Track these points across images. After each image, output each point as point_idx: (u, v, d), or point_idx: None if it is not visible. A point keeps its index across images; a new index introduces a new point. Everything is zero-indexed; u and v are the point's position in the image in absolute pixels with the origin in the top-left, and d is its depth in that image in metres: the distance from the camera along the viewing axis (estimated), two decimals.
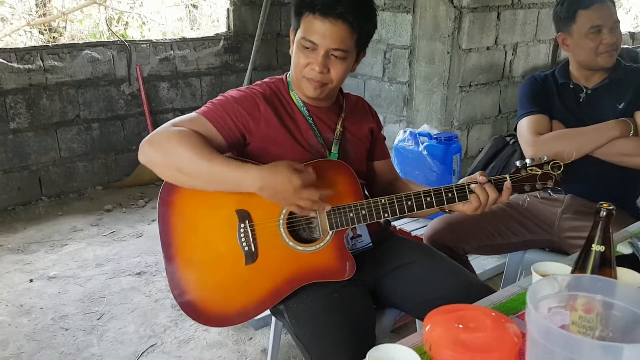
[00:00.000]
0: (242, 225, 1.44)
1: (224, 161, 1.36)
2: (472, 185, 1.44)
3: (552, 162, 1.46)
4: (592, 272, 1.03)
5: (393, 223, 2.42)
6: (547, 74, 2.11)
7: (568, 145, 1.86)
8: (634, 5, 7.05)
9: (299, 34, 1.47)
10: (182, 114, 1.46)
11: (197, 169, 1.36)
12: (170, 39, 4.26)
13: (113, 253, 3.16)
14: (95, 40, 4.37)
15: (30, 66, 3.63)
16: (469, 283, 1.52)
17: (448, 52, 3.90)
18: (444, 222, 1.99)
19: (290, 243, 1.44)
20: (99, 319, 2.53)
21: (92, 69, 3.89)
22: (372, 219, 1.44)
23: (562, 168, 1.45)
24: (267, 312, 1.58)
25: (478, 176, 1.45)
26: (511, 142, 3.66)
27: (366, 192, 1.67)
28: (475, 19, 3.85)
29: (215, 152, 1.38)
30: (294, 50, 1.51)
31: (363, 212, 1.43)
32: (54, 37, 4.80)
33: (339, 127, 1.60)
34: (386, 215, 1.44)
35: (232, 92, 1.53)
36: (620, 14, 1.91)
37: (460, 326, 0.96)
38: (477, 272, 2.29)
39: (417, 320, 1.81)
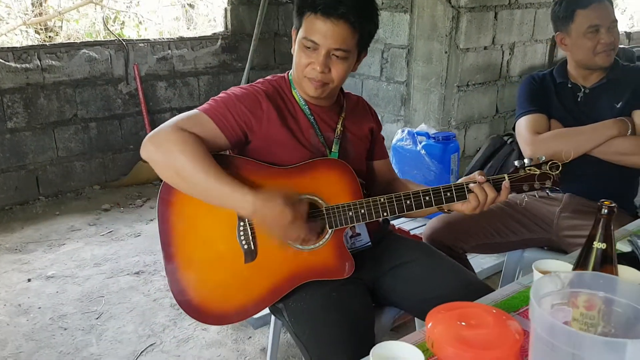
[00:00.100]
0: (242, 224, 1.44)
1: (222, 179, 1.35)
2: (471, 185, 1.44)
3: (550, 162, 1.47)
4: (594, 270, 1.04)
5: (392, 222, 2.42)
6: (545, 74, 2.11)
7: (566, 144, 1.87)
8: (630, 5, 7.07)
9: (301, 33, 1.48)
10: (180, 113, 1.46)
11: (194, 179, 1.36)
12: (167, 39, 4.26)
13: (111, 252, 3.15)
14: (92, 40, 4.36)
15: (27, 65, 3.63)
16: (468, 282, 1.53)
17: (446, 52, 3.90)
18: (442, 221, 1.99)
19: (290, 241, 1.44)
20: (97, 318, 2.53)
21: (90, 69, 3.89)
22: (371, 218, 1.45)
23: (560, 168, 1.46)
24: (266, 310, 1.59)
25: (477, 176, 1.45)
26: (509, 141, 3.66)
27: (365, 191, 1.67)
28: (473, 19, 3.86)
29: (215, 166, 1.37)
30: (295, 49, 1.52)
31: (362, 211, 1.44)
32: (50, 36, 4.78)
33: (339, 126, 1.60)
34: (385, 214, 1.45)
35: (234, 90, 1.53)
36: (616, 13, 1.92)
37: (463, 323, 0.97)
38: (476, 271, 2.29)
39: (416, 318, 1.81)
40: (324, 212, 1.44)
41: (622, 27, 6.18)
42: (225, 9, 4.48)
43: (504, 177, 1.46)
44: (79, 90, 3.87)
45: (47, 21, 4.80)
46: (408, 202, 1.44)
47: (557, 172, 1.46)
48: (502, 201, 2.03)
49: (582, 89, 2.02)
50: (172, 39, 4.28)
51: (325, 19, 1.42)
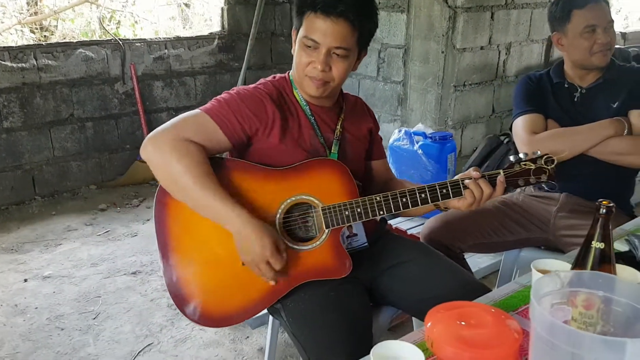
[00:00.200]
0: None
1: (216, 194, 1.36)
2: (466, 181, 1.44)
3: (545, 157, 1.47)
4: (592, 269, 1.04)
5: (389, 222, 2.42)
6: (541, 74, 2.12)
7: (563, 144, 1.88)
8: (624, 5, 7.10)
9: (301, 32, 1.48)
10: (177, 113, 1.46)
11: (188, 189, 1.37)
12: (164, 38, 4.25)
13: (108, 252, 3.15)
14: (89, 39, 4.35)
15: (23, 65, 3.61)
16: (465, 281, 1.53)
17: (442, 52, 3.91)
18: (440, 220, 2.00)
19: (287, 242, 1.44)
20: (94, 318, 2.52)
21: (86, 68, 3.88)
22: (368, 217, 1.44)
23: (555, 162, 1.46)
24: (264, 310, 1.58)
25: (472, 172, 1.46)
26: (505, 141, 3.67)
27: (363, 191, 1.67)
28: (470, 19, 3.87)
29: (211, 178, 1.38)
30: (296, 49, 1.52)
31: (358, 210, 1.43)
32: (45, 35, 4.77)
33: (339, 127, 1.60)
34: (381, 212, 1.44)
35: (238, 90, 1.52)
36: (611, 13, 1.94)
37: (462, 323, 0.97)
38: (472, 270, 2.30)
39: (414, 318, 1.82)
40: (320, 211, 1.44)
41: (617, 27, 6.20)
42: (222, 9, 4.48)
43: (499, 173, 1.47)
44: (75, 89, 3.86)
45: (43, 20, 4.79)
46: (404, 199, 1.44)
47: (553, 165, 1.46)
48: (499, 200, 2.06)
49: (579, 89, 2.03)
50: (169, 38, 4.27)
51: (325, 18, 1.43)
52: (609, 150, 1.91)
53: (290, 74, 1.61)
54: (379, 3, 4.14)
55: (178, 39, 4.29)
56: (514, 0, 4.12)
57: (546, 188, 1.58)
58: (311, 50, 1.47)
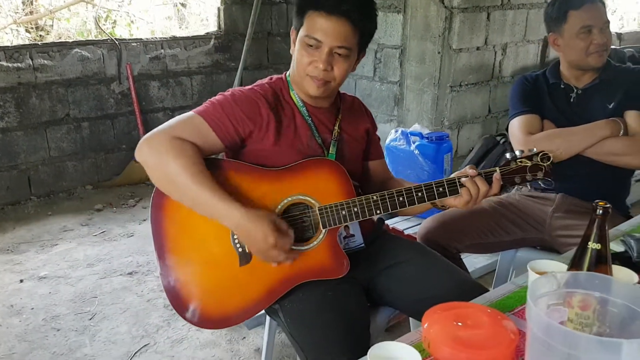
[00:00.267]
0: None
1: (213, 191, 1.36)
2: (463, 179, 1.44)
3: (541, 154, 1.47)
4: (589, 270, 1.04)
5: (386, 222, 2.42)
6: (537, 74, 2.13)
7: (559, 144, 1.88)
8: (620, 6, 7.12)
9: (302, 32, 1.48)
10: (173, 113, 1.47)
11: (185, 187, 1.37)
12: (160, 38, 4.25)
13: (104, 253, 3.14)
14: (85, 39, 4.34)
15: (19, 65, 3.60)
16: (462, 282, 1.53)
17: (439, 52, 3.92)
18: (437, 220, 2.00)
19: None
20: (90, 319, 2.52)
21: (82, 68, 3.87)
22: (365, 216, 1.45)
23: (551, 159, 1.47)
24: (261, 311, 1.58)
25: (468, 170, 1.46)
26: (501, 141, 3.69)
27: (361, 192, 1.67)
28: (466, 19, 3.87)
29: (207, 176, 1.38)
30: (296, 49, 1.51)
31: (355, 209, 1.44)
32: (40, 35, 4.75)
33: (336, 128, 1.60)
34: (378, 212, 1.45)
35: (233, 92, 1.52)
36: (607, 14, 1.95)
37: (459, 324, 0.97)
38: (469, 270, 2.30)
39: (410, 318, 1.82)
40: (317, 211, 1.44)
41: (613, 28, 6.22)
42: (219, 8, 4.47)
43: (496, 170, 1.47)
44: (71, 89, 3.85)
45: (38, 20, 4.78)
46: (401, 198, 1.44)
47: (549, 162, 1.47)
48: (496, 200, 2.07)
49: (575, 90, 2.03)
50: (165, 38, 4.26)
51: (328, 17, 1.43)
52: (605, 151, 1.91)
53: (287, 74, 1.60)
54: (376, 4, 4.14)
55: (174, 38, 4.29)
56: (510, 1, 4.12)
57: (543, 185, 1.58)
58: (313, 49, 1.46)
